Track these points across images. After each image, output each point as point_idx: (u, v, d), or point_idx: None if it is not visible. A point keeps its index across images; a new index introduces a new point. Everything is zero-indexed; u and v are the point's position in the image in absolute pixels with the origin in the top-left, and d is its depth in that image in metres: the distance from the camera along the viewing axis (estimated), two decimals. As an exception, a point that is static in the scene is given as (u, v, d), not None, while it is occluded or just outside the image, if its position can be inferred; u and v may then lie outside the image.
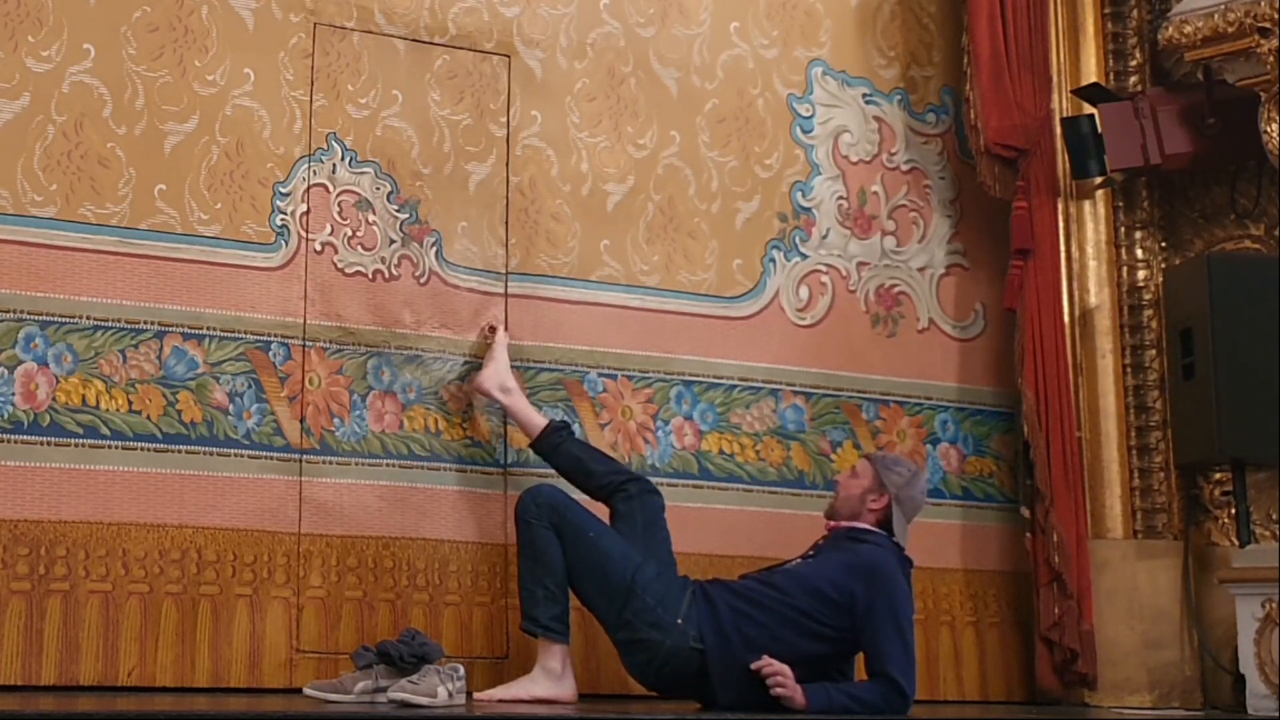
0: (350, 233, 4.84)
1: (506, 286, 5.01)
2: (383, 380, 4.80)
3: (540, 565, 4.34)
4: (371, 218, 4.87)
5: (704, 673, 4.27)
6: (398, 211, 4.91)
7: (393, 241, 4.88)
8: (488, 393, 4.81)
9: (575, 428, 4.91)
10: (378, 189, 4.90)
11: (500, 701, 4.31)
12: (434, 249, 4.93)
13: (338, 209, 4.84)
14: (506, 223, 5.06)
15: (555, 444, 4.70)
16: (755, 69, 5.52)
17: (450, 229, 4.97)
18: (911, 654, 4.29)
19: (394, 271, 4.87)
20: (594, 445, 4.86)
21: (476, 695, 4.34)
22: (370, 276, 4.83)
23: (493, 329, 4.90)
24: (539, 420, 4.74)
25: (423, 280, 4.90)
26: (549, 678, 4.35)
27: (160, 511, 4.45)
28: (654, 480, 4.73)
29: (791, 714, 4.14)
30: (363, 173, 4.89)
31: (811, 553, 4.47)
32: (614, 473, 4.66)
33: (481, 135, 5.06)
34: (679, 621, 4.28)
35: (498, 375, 4.81)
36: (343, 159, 4.87)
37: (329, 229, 4.81)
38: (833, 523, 4.51)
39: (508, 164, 5.08)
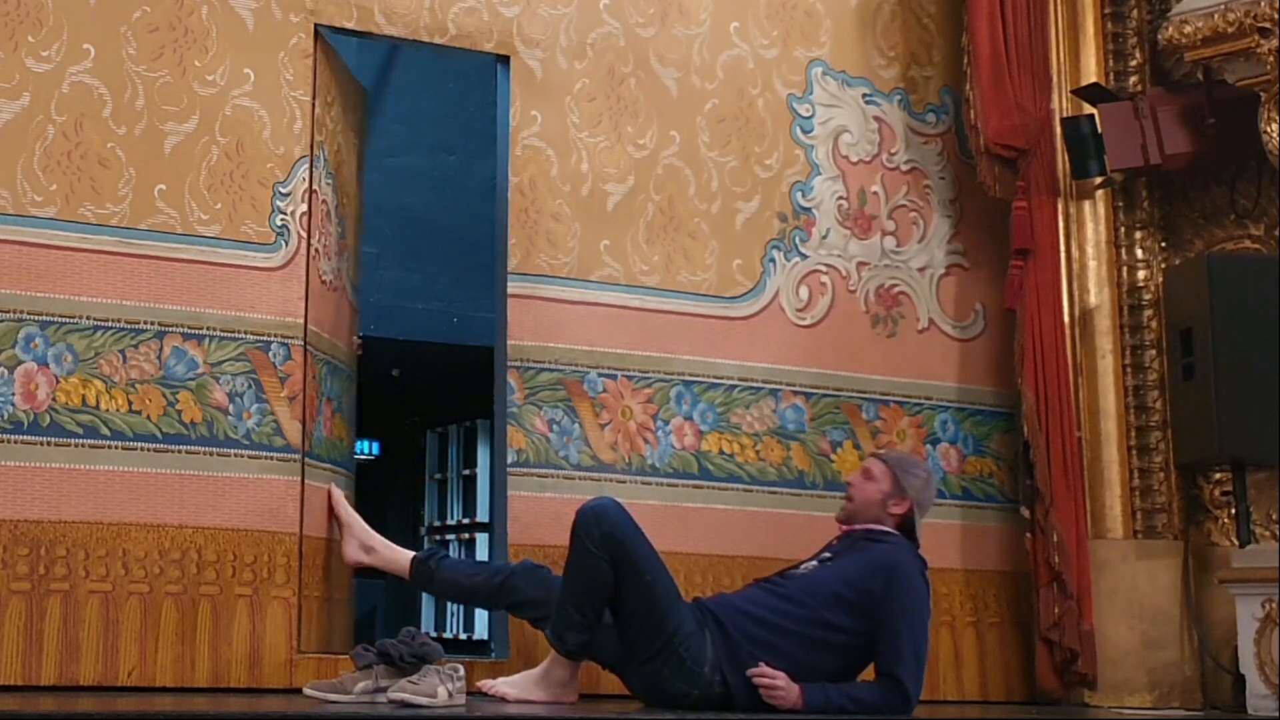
0: (350, 233, 4.85)
1: (506, 286, 5.01)
2: (382, 380, 4.80)
3: (584, 592, 4.21)
4: (371, 218, 4.88)
5: (726, 705, 4.21)
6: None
7: (392, 242, 4.89)
8: (356, 563, 4.72)
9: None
10: (378, 189, 4.90)
11: (503, 698, 4.28)
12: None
13: (338, 209, 4.84)
14: (506, 224, 5.05)
15: (427, 577, 4.60)
16: (755, 69, 5.51)
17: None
18: (921, 657, 4.26)
19: (394, 272, 4.87)
20: (462, 558, 4.67)
21: (480, 684, 4.30)
22: (370, 276, 4.84)
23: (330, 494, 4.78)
24: (404, 562, 4.63)
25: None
26: (556, 684, 4.30)
27: (160, 511, 4.45)
28: (654, 480, 4.71)
29: (790, 714, 4.13)
30: (363, 173, 4.90)
31: (828, 555, 4.44)
32: (492, 575, 4.55)
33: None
34: (705, 670, 4.20)
35: (354, 541, 4.71)
36: (343, 159, 4.88)
37: (329, 229, 4.82)
38: (847, 526, 4.47)
39: (507, 164, 5.08)
